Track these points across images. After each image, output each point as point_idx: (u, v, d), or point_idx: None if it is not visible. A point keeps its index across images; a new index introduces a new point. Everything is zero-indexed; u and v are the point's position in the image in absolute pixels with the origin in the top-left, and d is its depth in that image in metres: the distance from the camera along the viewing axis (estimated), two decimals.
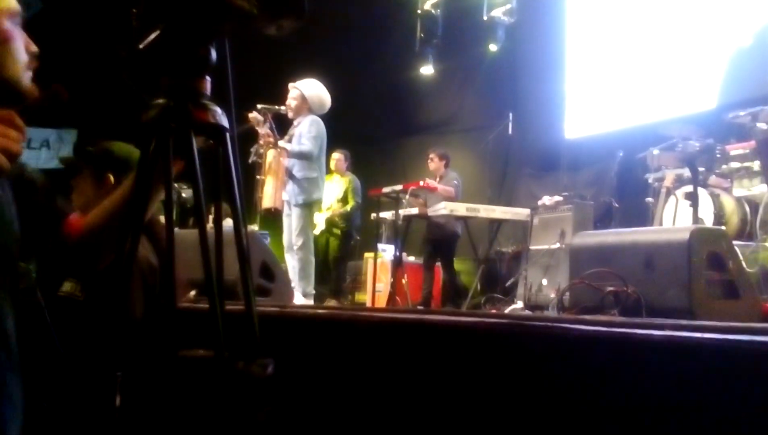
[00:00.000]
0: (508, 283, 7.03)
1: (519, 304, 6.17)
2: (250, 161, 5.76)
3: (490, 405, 1.75)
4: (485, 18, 8.67)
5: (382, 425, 2.01)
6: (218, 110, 1.51)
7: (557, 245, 5.91)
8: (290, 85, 5.84)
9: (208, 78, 1.51)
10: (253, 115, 5.63)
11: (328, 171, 6.83)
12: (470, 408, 1.80)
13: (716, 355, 1.31)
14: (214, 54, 1.52)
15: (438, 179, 7.14)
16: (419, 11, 9.18)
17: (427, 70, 9.42)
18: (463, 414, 1.81)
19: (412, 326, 2.05)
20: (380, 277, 7.52)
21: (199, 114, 1.48)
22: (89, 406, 1.35)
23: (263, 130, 5.63)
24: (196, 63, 1.49)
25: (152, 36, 1.45)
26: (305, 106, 5.74)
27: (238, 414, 1.43)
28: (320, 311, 2.47)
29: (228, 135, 1.52)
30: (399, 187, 6.76)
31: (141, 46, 1.42)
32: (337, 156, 7.49)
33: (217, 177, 1.50)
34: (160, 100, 1.46)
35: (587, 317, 2.01)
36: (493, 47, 8.74)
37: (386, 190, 6.85)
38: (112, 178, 2.36)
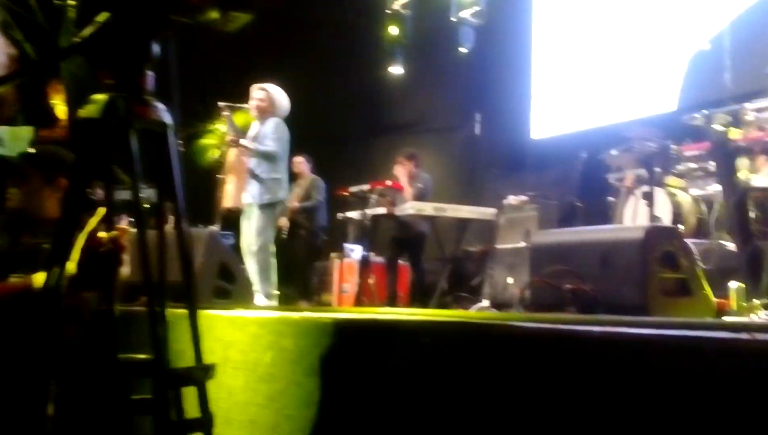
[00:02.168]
0: (474, 282, 7.05)
1: (485, 303, 6.19)
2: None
3: (444, 405, 1.75)
4: (454, 19, 8.70)
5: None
6: (160, 106, 1.48)
7: (522, 244, 5.95)
8: (257, 86, 5.78)
9: (150, 73, 1.48)
10: (227, 113, 5.60)
11: (292, 175, 6.80)
12: (422, 409, 1.80)
13: (655, 352, 1.33)
14: (157, 48, 1.49)
15: (410, 180, 7.14)
16: (388, 11, 9.18)
17: (395, 70, 9.43)
18: (420, 415, 1.81)
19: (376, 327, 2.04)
20: (347, 277, 7.50)
21: (140, 110, 1.45)
22: (20, 416, 1.32)
23: (225, 128, 5.59)
24: (137, 57, 1.46)
25: (91, 28, 1.41)
26: (271, 108, 5.73)
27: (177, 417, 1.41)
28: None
29: (170, 132, 1.50)
30: (366, 187, 6.75)
31: (78, 39, 1.39)
32: (298, 159, 7.43)
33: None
34: (100, 96, 1.43)
35: (536, 315, 2.03)
36: (461, 48, 8.77)
37: (353, 189, 6.84)
38: (64, 182, 2.37)
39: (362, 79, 9.83)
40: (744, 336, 1.30)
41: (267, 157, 5.54)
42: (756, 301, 2.93)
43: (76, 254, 1.52)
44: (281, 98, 5.82)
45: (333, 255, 7.84)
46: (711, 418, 1.26)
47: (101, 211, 1.52)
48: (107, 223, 1.49)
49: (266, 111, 5.72)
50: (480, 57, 8.90)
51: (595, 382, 1.40)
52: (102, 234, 1.49)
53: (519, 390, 1.56)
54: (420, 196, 6.90)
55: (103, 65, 1.45)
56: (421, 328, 1.85)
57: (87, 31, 1.41)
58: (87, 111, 1.43)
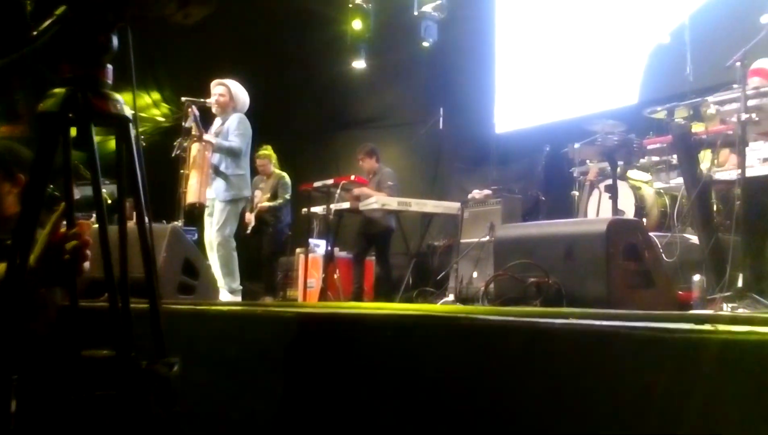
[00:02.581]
0: (439, 277, 7.07)
1: (450, 297, 6.21)
2: (173, 155, 5.66)
3: (408, 397, 1.74)
4: (416, 13, 8.70)
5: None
6: (120, 100, 1.46)
7: (486, 238, 5.98)
8: (216, 82, 5.87)
9: (109, 66, 1.46)
10: (192, 108, 5.57)
11: (254, 171, 6.77)
12: (386, 401, 1.79)
13: (619, 344, 1.34)
14: (115, 41, 1.47)
15: (372, 175, 7.12)
16: (351, 5, 9.15)
17: (358, 64, 9.40)
18: (376, 407, 1.81)
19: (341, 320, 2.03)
20: (312, 272, 7.47)
21: (99, 104, 1.42)
22: None
23: (189, 123, 5.56)
24: (96, 50, 1.43)
25: (48, 21, 1.38)
26: (232, 103, 5.82)
27: (143, 413, 1.38)
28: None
29: (130, 125, 1.47)
30: (330, 182, 6.72)
31: (35, 33, 1.35)
32: (260, 161, 7.37)
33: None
34: (59, 89, 1.40)
35: (500, 308, 2.04)
36: (424, 42, 8.78)
37: (317, 184, 6.80)
38: (23, 177, 2.32)
39: (325, 74, 9.78)
40: (707, 327, 1.32)
41: (231, 153, 5.59)
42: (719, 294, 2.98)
43: (37, 250, 1.49)
44: (241, 92, 5.89)
45: (298, 250, 7.80)
46: (675, 408, 1.28)
47: (63, 206, 1.48)
48: (68, 218, 1.45)
49: (227, 106, 5.81)
50: (443, 51, 8.93)
51: (558, 373, 1.41)
52: (64, 229, 1.46)
53: (482, 382, 1.56)
54: (391, 195, 6.91)
55: (62, 58, 1.42)
56: (383, 322, 1.85)
57: (44, 24, 1.37)
58: (45, 105, 1.40)
